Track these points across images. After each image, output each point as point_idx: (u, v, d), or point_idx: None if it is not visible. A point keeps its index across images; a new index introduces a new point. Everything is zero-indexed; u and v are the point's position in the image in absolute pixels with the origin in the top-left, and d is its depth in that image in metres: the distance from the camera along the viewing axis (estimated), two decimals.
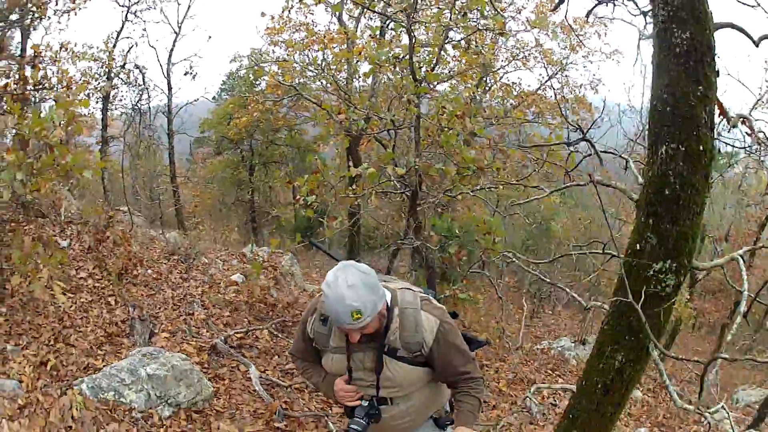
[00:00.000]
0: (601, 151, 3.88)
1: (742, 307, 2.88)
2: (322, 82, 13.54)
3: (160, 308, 5.78)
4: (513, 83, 16.03)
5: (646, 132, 2.98)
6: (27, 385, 3.74)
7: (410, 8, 5.71)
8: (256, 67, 16.28)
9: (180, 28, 18.39)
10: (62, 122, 3.67)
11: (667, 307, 2.95)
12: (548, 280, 5.54)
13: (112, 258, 5.74)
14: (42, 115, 3.89)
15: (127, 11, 16.58)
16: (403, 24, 6.21)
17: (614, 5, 3.75)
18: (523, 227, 16.69)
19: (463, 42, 6.51)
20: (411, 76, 6.22)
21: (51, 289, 3.98)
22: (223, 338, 5.62)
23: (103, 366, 4.17)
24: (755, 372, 12.87)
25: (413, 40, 6.20)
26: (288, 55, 14.24)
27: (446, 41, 6.55)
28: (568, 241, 15.64)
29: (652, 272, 2.86)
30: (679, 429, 8.05)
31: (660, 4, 2.85)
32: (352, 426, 2.41)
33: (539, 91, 15.87)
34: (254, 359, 5.65)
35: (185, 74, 18.05)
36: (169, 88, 18.62)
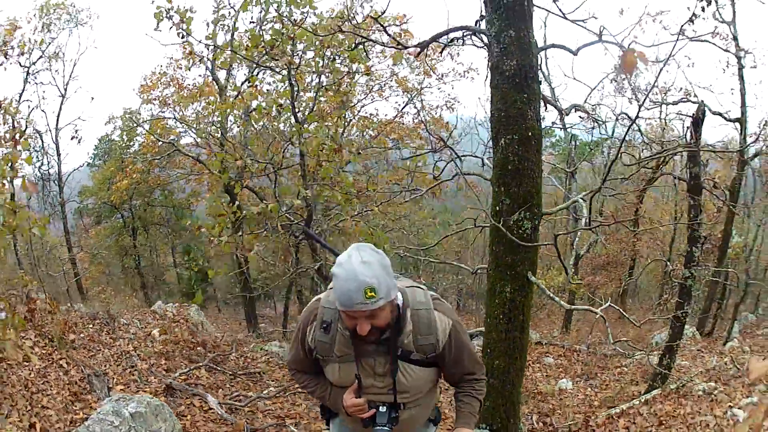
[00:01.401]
0: (463, 155, 5.22)
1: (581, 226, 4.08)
2: (193, 137, 13.89)
3: (104, 366, 6.10)
4: (371, 115, 16.69)
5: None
6: None
7: (292, 62, 6.63)
8: (130, 127, 16.22)
9: (66, 89, 17.83)
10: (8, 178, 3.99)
11: (533, 250, 4.22)
12: (437, 261, 6.61)
13: (47, 326, 5.99)
14: None
15: (27, 72, 16.06)
16: (284, 75, 7.12)
17: (463, 41, 4.91)
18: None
19: (334, 85, 7.46)
20: (294, 119, 7.15)
21: (21, 349, 4.27)
22: (172, 379, 6.07)
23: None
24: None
25: (295, 89, 7.11)
26: (162, 112, 14.45)
27: (321, 86, 7.52)
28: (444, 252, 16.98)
29: (512, 222, 4.09)
30: (601, 373, 9.47)
31: (494, 43, 4.08)
32: None
33: (397, 119, 16.67)
34: None
35: (71, 138, 17.23)
36: (58, 154, 18.09)
